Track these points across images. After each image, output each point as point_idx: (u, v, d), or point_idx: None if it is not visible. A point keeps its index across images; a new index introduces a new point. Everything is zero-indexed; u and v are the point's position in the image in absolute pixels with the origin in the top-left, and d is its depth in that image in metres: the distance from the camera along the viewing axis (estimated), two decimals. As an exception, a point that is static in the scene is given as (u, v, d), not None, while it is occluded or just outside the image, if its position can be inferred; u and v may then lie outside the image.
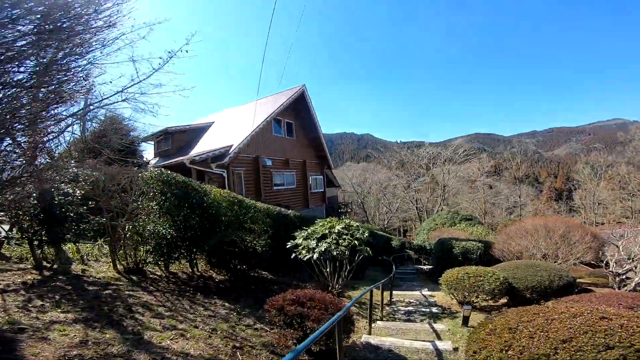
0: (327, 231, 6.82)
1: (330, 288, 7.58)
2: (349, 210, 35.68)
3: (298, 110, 19.79)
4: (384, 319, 6.58)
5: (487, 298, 7.19)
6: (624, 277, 10.49)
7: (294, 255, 6.69)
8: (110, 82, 3.82)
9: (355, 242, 6.81)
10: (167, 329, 4.00)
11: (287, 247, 6.96)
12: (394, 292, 9.77)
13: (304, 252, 6.45)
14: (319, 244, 6.38)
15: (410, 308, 7.52)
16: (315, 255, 6.17)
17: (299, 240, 6.86)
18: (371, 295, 5.31)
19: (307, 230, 7.15)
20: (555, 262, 11.11)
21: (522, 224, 13.19)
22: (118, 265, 6.22)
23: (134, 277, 6.00)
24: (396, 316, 6.97)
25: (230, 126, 18.44)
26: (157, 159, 19.53)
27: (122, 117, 15.52)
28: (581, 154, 76.50)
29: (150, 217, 6.72)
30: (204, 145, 16.90)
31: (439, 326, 5.76)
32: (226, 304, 5.69)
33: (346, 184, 44.69)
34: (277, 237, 8.76)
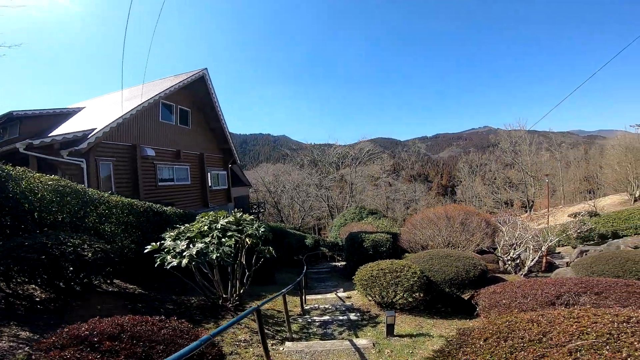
0: (206, 227, 4.82)
1: (221, 301, 5.61)
2: (262, 210, 33.49)
3: (197, 96, 16.87)
4: (294, 336, 4.93)
5: (405, 296, 6.24)
6: (517, 262, 11.21)
7: (158, 262, 4.49)
8: None
9: (247, 240, 5.00)
10: None
11: (145, 251, 4.71)
12: (308, 297, 8.29)
13: (169, 257, 4.33)
14: (192, 245, 4.35)
15: (327, 317, 6.06)
16: (185, 261, 4.13)
17: (167, 242, 4.69)
18: (260, 321, 3.52)
19: (179, 228, 5.01)
20: (456, 249, 11.32)
21: (425, 213, 13.32)
22: None
23: None
24: (310, 330, 5.40)
25: (104, 110, 14.48)
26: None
27: None
28: (462, 154, 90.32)
29: None
30: (61, 132, 12.73)
31: (361, 341, 4.36)
32: (26, 333, 3.33)
33: (259, 183, 42.40)
34: (150, 240, 6.38)
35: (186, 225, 5.08)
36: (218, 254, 4.17)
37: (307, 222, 45.98)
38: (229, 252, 4.35)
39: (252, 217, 5.63)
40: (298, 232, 22.93)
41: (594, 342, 1.61)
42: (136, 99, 13.27)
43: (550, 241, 10.97)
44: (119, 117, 11.68)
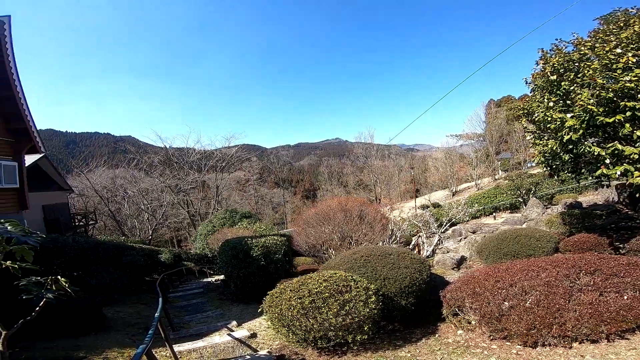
0: None
1: None
2: (92, 221, 25.26)
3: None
4: None
5: (366, 329, 3.92)
6: (416, 250, 10.94)
7: None
8: None
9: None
10: None
11: None
12: (181, 348, 4.84)
13: None
14: None
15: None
16: None
17: None
18: None
19: None
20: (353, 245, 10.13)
21: (320, 207, 11.67)
22: None
23: None
24: None
25: None
26: None
27: None
28: (321, 161, 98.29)
29: None
30: None
31: None
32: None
33: (87, 188, 32.30)
34: None
35: None
36: None
37: (162, 234, 38.38)
38: None
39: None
40: (147, 247, 17.78)
41: None
42: None
43: (444, 227, 11.22)
44: None
